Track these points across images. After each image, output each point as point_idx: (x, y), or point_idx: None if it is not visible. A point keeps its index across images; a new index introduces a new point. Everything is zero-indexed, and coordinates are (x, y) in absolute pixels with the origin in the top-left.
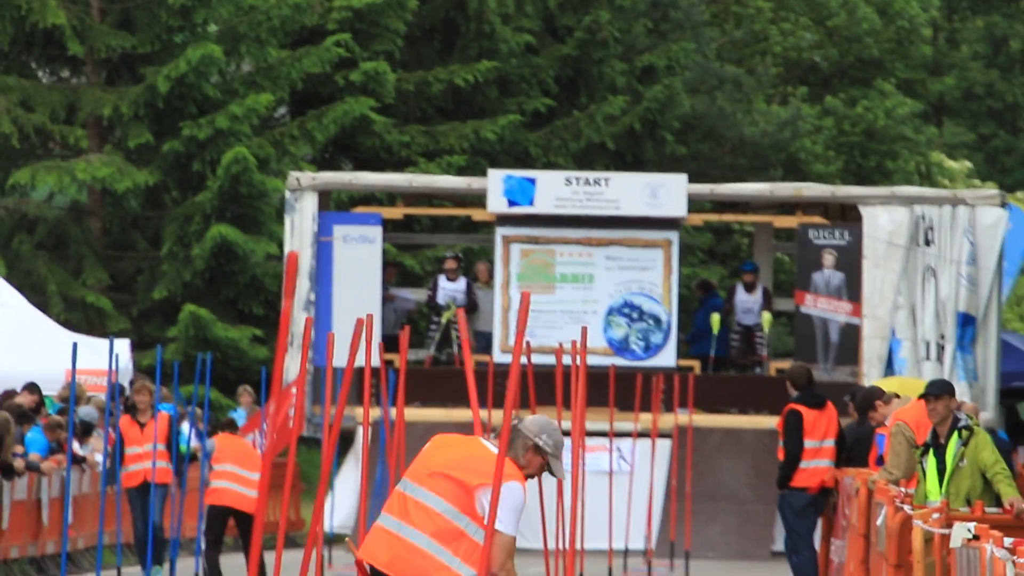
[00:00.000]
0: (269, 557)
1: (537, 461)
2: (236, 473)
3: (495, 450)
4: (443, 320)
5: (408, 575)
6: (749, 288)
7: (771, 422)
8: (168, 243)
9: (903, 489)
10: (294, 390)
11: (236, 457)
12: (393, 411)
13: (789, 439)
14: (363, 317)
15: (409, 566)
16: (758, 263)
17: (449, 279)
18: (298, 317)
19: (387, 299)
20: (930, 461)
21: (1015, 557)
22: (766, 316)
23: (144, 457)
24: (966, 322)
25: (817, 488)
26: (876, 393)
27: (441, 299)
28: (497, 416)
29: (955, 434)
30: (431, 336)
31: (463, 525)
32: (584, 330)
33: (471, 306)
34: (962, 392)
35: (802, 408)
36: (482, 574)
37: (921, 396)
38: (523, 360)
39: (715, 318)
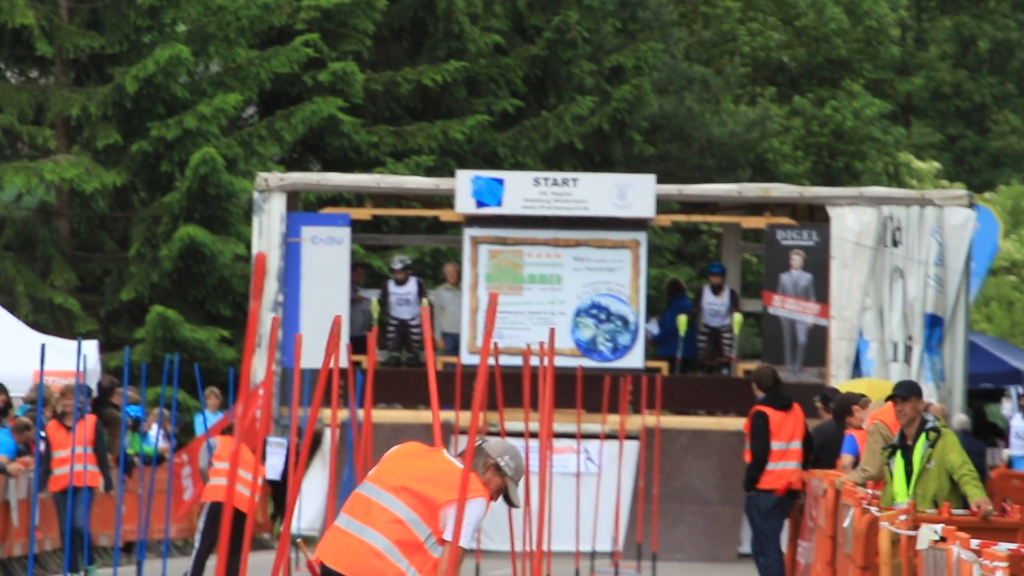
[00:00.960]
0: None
1: (496, 482)
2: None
3: (461, 466)
4: (373, 313)
5: (358, 572)
6: (716, 290)
7: (738, 423)
8: (136, 244)
9: (870, 491)
10: (261, 391)
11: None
12: (361, 412)
13: (756, 441)
14: (332, 318)
15: (368, 569)
16: (726, 264)
17: (398, 283)
18: (266, 318)
19: (355, 301)
20: (897, 462)
21: (982, 559)
22: (737, 318)
23: (70, 460)
24: (934, 323)
25: (784, 490)
26: (852, 398)
27: (394, 303)
28: (465, 418)
29: (923, 436)
30: (389, 338)
31: (424, 537)
32: (552, 331)
33: (414, 305)
34: (929, 393)
35: (768, 410)
36: None
37: (889, 398)
38: (491, 361)
39: (682, 319)
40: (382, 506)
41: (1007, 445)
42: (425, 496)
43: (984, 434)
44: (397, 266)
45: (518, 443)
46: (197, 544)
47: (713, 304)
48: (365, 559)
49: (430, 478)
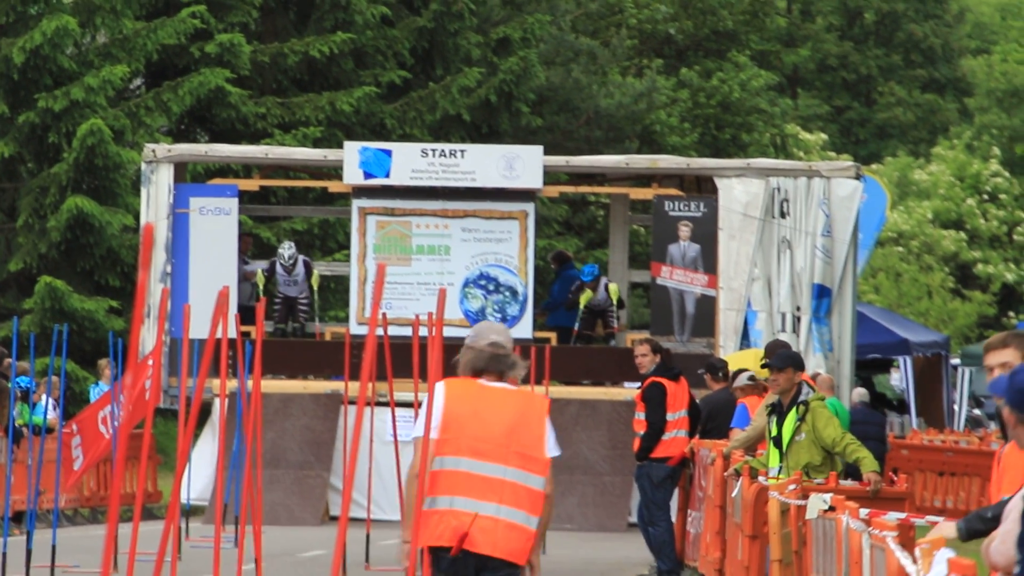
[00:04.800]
0: (125, 529)
1: None
2: None
3: (513, 388)
4: (259, 285)
5: (509, 551)
6: (593, 291)
7: (627, 394)
8: (24, 215)
9: (748, 459)
10: (150, 362)
11: None
12: (250, 382)
13: (653, 411)
14: (220, 288)
15: (510, 542)
16: (613, 235)
17: (287, 271)
18: (154, 289)
19: (245, 278)
20: (772, 428)
21: (871, 528)
22: (612, 287)
23: None
24: (821, 293)
25: (677, 459)
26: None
27: (281, 282)
28: (354, 388)
29: (794, 408)
30: (275, 310)
31: (543, 487)
32: (442, 293)
33: (301, 284)
34: (818, 364)
35: (663, 380)
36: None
37: (764, 366)
38: (379, 331)
39: (587, 294)
40: (507, 481)
41: (900, 414)
42: (538, 458)
43: (873, 405)
44: (288, 262)
45: (407, 413)
46: None
47: (592, 300)
48: (508, 535)
49: (530, 432)
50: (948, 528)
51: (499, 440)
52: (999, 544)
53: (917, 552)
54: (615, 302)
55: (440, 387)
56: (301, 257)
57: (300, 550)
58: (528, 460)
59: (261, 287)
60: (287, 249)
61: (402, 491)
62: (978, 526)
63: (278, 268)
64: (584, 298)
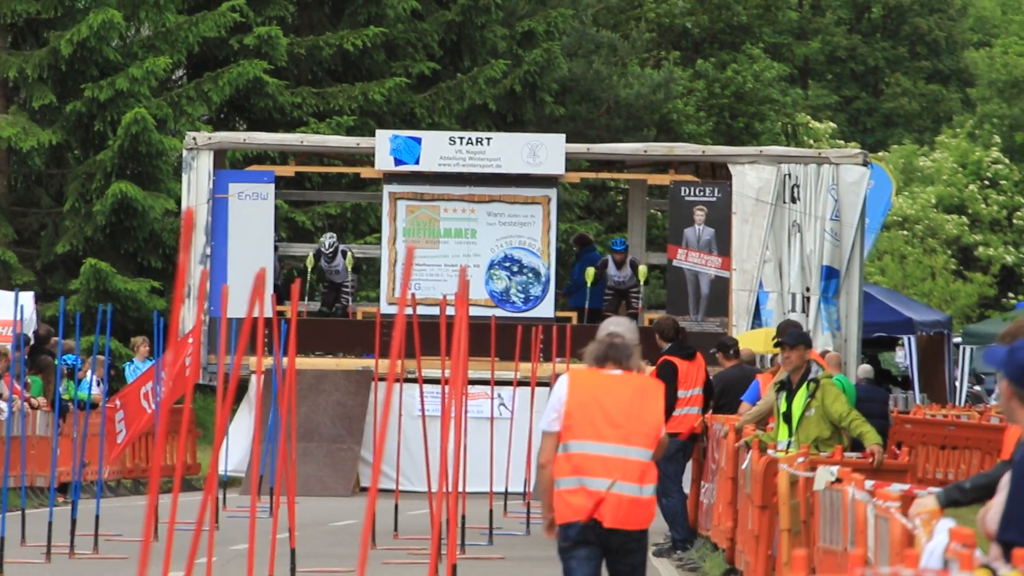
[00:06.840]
0: (165, 499)
1: None
2: None
3: (633, 375)
4: (307, 267)
5: (635, 522)
6: (619, 265)
7: (645, 371)
8: (71, 199)
9: (759, 433)
10: (191, 340)
11: None
12: (285, 360)
13: (664, 388)
14: (257, 270)
15: (634, 514)
16: (632, 219)
17: (328, 260)
18: (194, 270)
19: (285, 269)
20: (782, 404)
21: (875, 499)
22: (642, 269)
23: None
24: (830, 275)
25: (687, 434)
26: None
27: (324, 267)
28: (384, 365)
29: (804, 385)
30: (323, 294)
31: (652, 457)
32: (463, 271)
33: (343, 273)
34: (826, 342)
35: (676, 359)
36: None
37: (777, 344)
38: (408, 311)
39: (590, 271)
40: (628, 460)
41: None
42: (652, 434)
43: (878, 381)
44: (328, 250)
45: (435, 389)
46: None
47: (616, 276)
48: (634, 509)
49: (653, 418)
50: (929, 499)
51: (620, 422)
52: (994, 514)
53: (917, 522)
54: (641, 282)
55: (564, 378)
56: (340, 246)
57: (332, 520)
58: (646, 437)
59: (311, 269)
60: (328, 238)
61: (428, 465)
62: (956, 496)
63: (322, 260)
64: (589, 276)
